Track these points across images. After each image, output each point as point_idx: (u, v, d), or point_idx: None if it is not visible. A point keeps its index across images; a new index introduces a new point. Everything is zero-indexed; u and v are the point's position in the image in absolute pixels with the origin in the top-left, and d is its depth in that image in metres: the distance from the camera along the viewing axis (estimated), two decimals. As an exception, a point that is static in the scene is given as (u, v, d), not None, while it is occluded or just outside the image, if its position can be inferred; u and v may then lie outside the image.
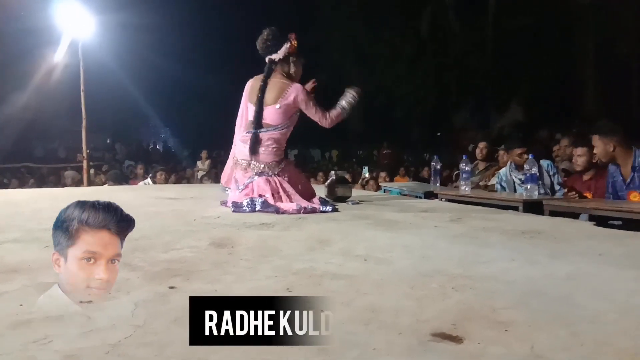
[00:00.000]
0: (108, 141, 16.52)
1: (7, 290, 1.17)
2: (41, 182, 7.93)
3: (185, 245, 1.73)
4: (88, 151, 7.05)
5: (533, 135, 14.90)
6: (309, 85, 3.11)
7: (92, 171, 7.52)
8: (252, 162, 2.89)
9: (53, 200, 3.34)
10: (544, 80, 15.54)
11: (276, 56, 2.96)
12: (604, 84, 15.10)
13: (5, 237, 1.87)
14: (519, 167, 3.87)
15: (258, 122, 2.88)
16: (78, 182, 6.83)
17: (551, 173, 3.75)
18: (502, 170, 4.14)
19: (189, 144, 16.46)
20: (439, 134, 18.93)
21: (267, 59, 2.99)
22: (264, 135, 2.89)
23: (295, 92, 2.89)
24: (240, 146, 2.96)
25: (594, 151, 3.26)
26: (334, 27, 18.24)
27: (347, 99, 3.08)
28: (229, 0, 17.61)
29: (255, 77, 3.05)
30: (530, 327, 0.93)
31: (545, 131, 14.91)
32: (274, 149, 2.90)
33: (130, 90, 13.98)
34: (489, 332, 0.91)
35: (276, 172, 2.91)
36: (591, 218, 2.77)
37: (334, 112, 3.00)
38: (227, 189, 3.09)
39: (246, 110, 3.02)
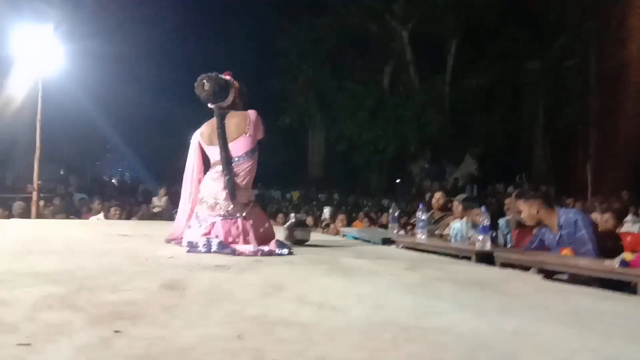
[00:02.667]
0: (62, 172, 15.95)
1: None
2: (-16, 212, 7.50)
3: (134, 287, 1.67)
4: (39, 182, 6.78)
5: (487, 188, 15.49)
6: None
7: (41, 203, 7.21)
8: (220, 201, 2.85)
9: (-4, 232, 3.18)
10: (497, 137, 16.38)
11: (225, 103, 2.99)
12: (552, 144, 16.03)
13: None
14: (475, 226, 4.00)
15: (228, 166, 2.86)
16: (26, 214, 6.51)
17: (504, 232, 3.90)
18: (457, 225, 4.25)
19: (147, 178, 16.13)
20: (397, 180, 19.37)
21: (213, 106, 2.98)
22: (237, 167, 2.87)
23: (254, 115, 2.94)
24: (210, 184, 2.91)
25: (522, 215, 3.47)
26: (300, 73, 18.72)
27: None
28: (193, 35, 17.81)
29: (204, 124, 3.04)
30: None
31: (501, 185, 15.53)
32: (244, 183, 2.89)
33: (90, 122, 13.68)
34: (437, 386, 0.91)
35: (243, 215, 2.88)
36: (540, 271, 2.88)
37: None
38: (171, 242, 2.98)
39: (201, 158, 3.02)
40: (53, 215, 7.03)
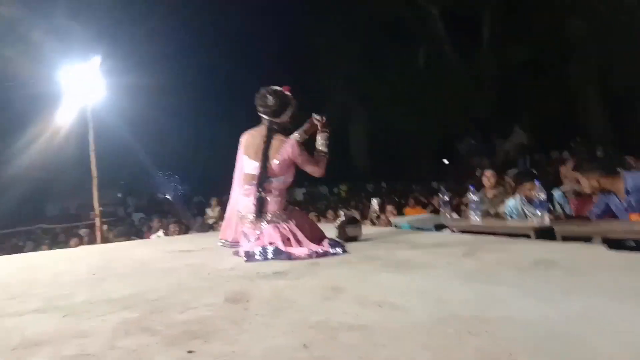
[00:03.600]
0: (119, 195, 16.74)
1: (30, 367, 1.19)
2: (55, 242, 8.01)
3: (201, 303, 1.75)
4: (101, 208, 7.15)
5: (540, 158, 14.89)
6: (307, 128, 3.12)
7: (105, 227, 7.61)
8: (260, 214, 2.93)
9: (70, 262, 3.39)
10: (546, 105, 15.67)
11: (282, 119, 3.03)
12: (608, 104, 15.17)
13: (25, 307, 1.90)
14: (530, 200, 3.89)
15: (262, 183, 2.93)
16: (92, 240, 6.89)
17: (562, 203, 3.77)
18: (512, 203, 4.15)
19: (199, 191, 16.64)
20: (445, 161, 18.99)
21: (266, 119, 3.03)
22: (266, 186, 2.93)
23: (290, 147, 2.96)
24: (244, 200, 3.00)
25: (583, 188, 3.31)
26: (337, 71, 18.70)
27: (323, 141, 3.11)
28: (232, 55, 18.18)
29: (250, 131, 3.09)
30: (548, 371, 0.94)
31: (553, 152, 14.90)
32: (277, 199, 2.95)
33: (138, 146, 14.30)
34: (507, 380, 0.91)
35: (283, 219, 2.94)
36: (604, 240, 2.77)
37: (321, 161, 3.07)
38: (226, 242, 3.08)
39: (242, 164, 3.07)
40: (117, 238, 7.40)
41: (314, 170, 3.06)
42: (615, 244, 2.48)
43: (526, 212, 3.93)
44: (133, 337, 1.39)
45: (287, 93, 3.07)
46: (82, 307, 1.84)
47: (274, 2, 18.41)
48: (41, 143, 12.23)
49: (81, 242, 6.73)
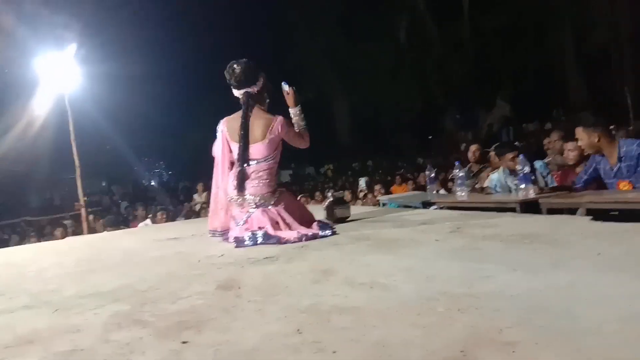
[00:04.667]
0: (103, 184, 16.56)
1: (23, 365, 1.18)
2: (41, 235, 7.92)
3: (192, 292, 1.75)
4: (85, 198, 7.07)
5: (523, 129, 15.01)
6: (290, 93, 3.10)
7: (91, 217, 7.53)
8: (247, 196, 2.92)
9: (56, 255, 3.35)
10: (526, 75, 15.74)
11: (254, 88, 2.99)
12: (585, 73, 15.29)
13: (15, 304, 1.88)
14: (512, 172, 3.92)
15: (244, 159, 2.91)
16: (78, 231, 6.83)
17: (544, 174, 3.80)
18: (495, 176, 4.19)
19: (185, 176, 16.53)
20: (430, 137, 19.05)
21: (241, 92, 3.00)
22: (252, 168, 2.92)
23: (280, 124, 2.94)
24: (231, 185, 2.98)
25: (579, 143, 3.33)
26: (314, 45, 18.47)
27: (299, 114, 3.11)
28: (211, 38, 17.85)
29: (230, 117, 3.05)
30: (537, 345, 0.96)
31: (535, 123, 15.04)
32: (266, 181, 2.94)
33: (119, 134, 14.11)
34: (496, 356, 0.93)
35: (272, 203, 2.94)
36: (589, 212, 2.82)
37: (306, 135, 3.09)
38: (216, 232, 3.07)
39: (229, 151, 3.03)
40: (104, 228, 7.34)
41: (302, 144, 3.07)
42: (599, 214, 2.53)
43: (510, 185, 3.98)
44: (126, 330, 1.39)
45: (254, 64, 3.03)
46: (72, 301, 1.83)
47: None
48: (18, 133, 11.98)
49: (67, 233, 6.66)
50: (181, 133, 18.35)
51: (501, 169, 4.17)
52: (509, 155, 3.98)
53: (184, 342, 1.22)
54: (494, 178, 4.20)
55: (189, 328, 1.33)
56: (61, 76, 6.50)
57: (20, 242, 7.51)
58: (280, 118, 2.97)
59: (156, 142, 17.16)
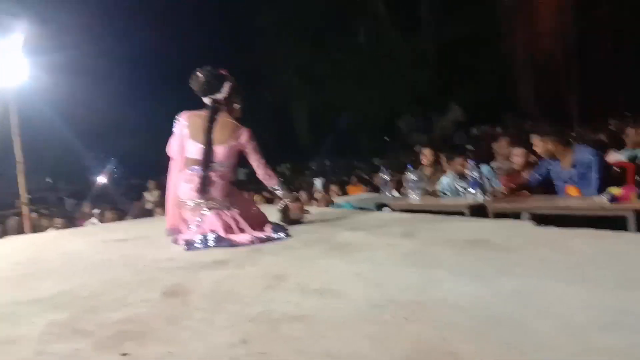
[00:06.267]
0: (48, 180, 15.80)
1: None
2: (-22, 233, 7.47)
3: (137, 299, 1.69)
4: (29, 195, 6.72)
5: (473, 133, 15.47)
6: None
7: (34, 215, 7.17)
8: (200, 201, 2.86)
9: (-7, 258, 3.17)
10: (480, 81, 16.29)
11: (220, 95, 2.95)
12: (534, 79, 15.97)
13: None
14: (461, 176, 4.03)
15: (207, 162, 2.85)
16: (20, 230, 6.48)
17: (490, 177, 3.92)
18: (445, 180, 4.29)
19: (136, 173, 16.02)
20: (386, 138, 19.35)
21: (209, 100, 2.96)
22: (212, 173, 2.86)
23: (246, 136, 2.92)
24: (184, 187, 2.91)
25: (536, 149, 3.46)
26: (279, 48, 18.46)
27: (283, 191, 3.18)
28: (168, 34, 17.41)
29: (193, 112, 2.98)
30: (482, 357, 0.97)
31: (486, 127, 15.54)
32: (222, 185, 2.89)
33: (67, 128, 13.53)
34: (441, 366, 0.94)
35: (226, 205, 2.89)
36: (533, 217, 2.93)
37: (270, 170, 3.07)
38: (172, 231, 2.99)
39: (183, 148, 2.97)
40: (49, 226, 7.01)
41: (261, 167, 3.02)
42: (542, 219, 2.64)
43: (458, 188, 4.08)
44: (64, 341, 1.32)
45: (222, 71, 3.00)
46: (7, 308, 1.72)
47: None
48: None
49: (6, 233, 6.32)
50: (133, 128, 17.81)
51: (451, 173, 4.27)
52: (458, 160, 4.09)
53: (123, 355, 1.17)
54: (444, 182, 4.30)
55: (131, 339, 1.28)
56: (5, 67, 6.15)
57: (-45, 241, 7.05)
58: (247, 129, 2.95)
59: (107, 138, 16.53)
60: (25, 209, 6.59)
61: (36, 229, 6.80)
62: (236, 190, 3.08)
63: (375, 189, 7.02)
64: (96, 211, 6.60)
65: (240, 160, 3.11)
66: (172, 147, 3.03)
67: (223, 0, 18.25)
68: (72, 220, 7.93)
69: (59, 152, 15.88)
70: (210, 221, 2.81)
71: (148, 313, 1.51)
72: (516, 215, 3.07)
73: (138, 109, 16.74)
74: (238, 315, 1.40)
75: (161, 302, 1.64)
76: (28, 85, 6.94)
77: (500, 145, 5.45)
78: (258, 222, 2.94)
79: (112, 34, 15.94)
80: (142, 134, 17.03)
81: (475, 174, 3.50)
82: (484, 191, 3.50)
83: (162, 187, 9.39)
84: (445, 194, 4.19)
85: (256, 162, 3.03)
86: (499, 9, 16.25)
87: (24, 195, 6.63)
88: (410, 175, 4.17)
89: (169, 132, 3.11)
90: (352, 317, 1.28)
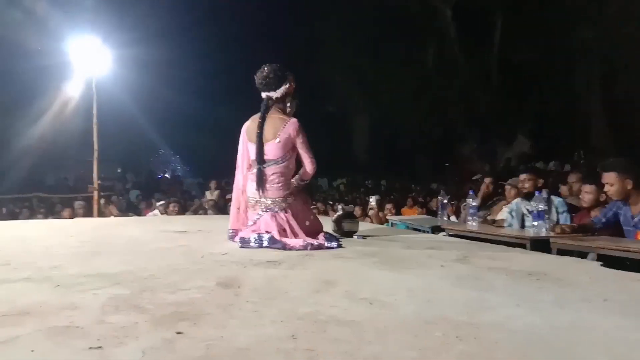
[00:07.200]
0: (119, 170, 16.72)
1: (18, 335, 1.19)
2: (51, 212, 8.01)
3: (192, 286, 1.75)
4: (99, 182, 7.15)
5: (540, 168, 14.84)
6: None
7: (102, 201, 7.61)
8: (261, 199, 2.94)
9: (64, 235, 3.39)
10: (550, 113, 15.62)
11: (274, 94, 3.03)
12: (610, 117, 15.10)
13: (17, 275, 1.91)
14: (526, 197, 3.89)
15: (260, 159, 2.94)
16: (88, 213, 6.89)
17: (560, 211, 3.75)
18: (511, 205, 4.15)
19: (199, 172, 16.63)
20: (447, 164, 18.97)
21: (264, 96, 3.05)
22: (267, 170, 2.94)
23: (292, 125, 2.96)
24: (249, 185, 3.01)
25: (609, 188, 3.23)
26: (340, 60, 18.61)
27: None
28: (236, 36, 18.08)
29: (251, 117, 3.09)
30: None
31: (555, 164, 14.87)
32: (280, 184, 2.94)
33: (142, 121, 14.28)
34: (490, 387, 0.92)
35: (283, 208, 2.94)
36: (599, 257, 2.77)
37: (313, 160, 3.04)
38: (231, 232, 3.06)
39: (247, 151, 3.06)
40: (114, 213, 7.40)
41: (310, 161, 3.02)
42: (610, 261, 2.48)
43: (523, 209, 3.93)
44: (122, 314, 1.39)
45: (287, 72, 3.06)
46: (74, 279, 1.85)
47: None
48: (49, 115, 12.26)
49: (75, 214, 6.73)
50: (199, 128, 18.48)
51: (519, 199, 4.12)
52: (522, 176, 3.95)
53: (178, 333, 1.22)
54: (510, 206, 4.15)
55: (184, 320, 1.33)
56: (90, 59, 6.62)
57: (30, 217, 7.60)
58: (293, 120, 2.99)
59: (176, 135, 17.28)
60: (95, 194, 7.01)
61: (102, 214, 7.21)
62: (300, 193, 3.09)
63: (431, 212, 6.90)
64: (160, 203, 6.90)
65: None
66: (238, 153, 3.15)
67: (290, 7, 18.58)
68: (135, 210, 8.33)
69: (132, 145, 16.77)
70: (266, 222, 2.87)
71: (202, 299, 1.57)
72: (582, 255, 2.92)
73: (210, 109, 17.38)
74: (287, 312, 1.43)
75: (215, 290, 1.70)
76: (109, 78, 7.42)
77: (571, 182, 5.20)
78: (312, 228, 2.97)
79: (193, 30, 16.63)
80: (210, 135, 17.68)
81: (542, 207, 3.35)
82: (548, 222, 3.35)
83: (222, 188, 9.70)
84: (512, 216, 4.03)
85: (305, 155, 3.01)
86: (576, 40, 15.55)
87: (95, 181, 7.08)
88: (471, 202, 4.07)
89: (234, 135, 3.24)
90: (401, 329, 1.27)
